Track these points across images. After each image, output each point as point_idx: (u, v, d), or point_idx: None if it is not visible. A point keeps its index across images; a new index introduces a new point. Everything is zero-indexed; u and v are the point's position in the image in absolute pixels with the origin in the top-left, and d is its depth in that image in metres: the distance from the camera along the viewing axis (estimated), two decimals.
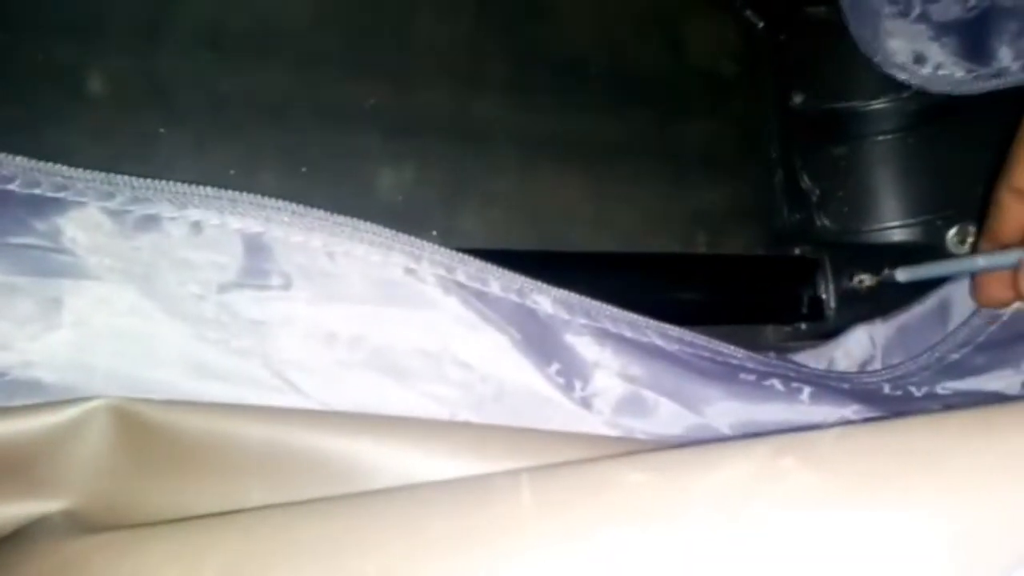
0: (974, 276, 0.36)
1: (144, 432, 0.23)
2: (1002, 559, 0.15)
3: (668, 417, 0.29)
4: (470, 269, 0.28)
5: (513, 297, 0.29)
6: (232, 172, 0.34)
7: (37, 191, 0.25)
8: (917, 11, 0.42)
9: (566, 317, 0.29)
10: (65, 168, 0.25)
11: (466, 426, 0.27)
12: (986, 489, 0.16)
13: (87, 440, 0.23)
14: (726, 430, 0.29)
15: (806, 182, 0.45)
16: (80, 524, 0.22)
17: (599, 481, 0.18)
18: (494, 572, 0.17)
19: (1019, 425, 0.17)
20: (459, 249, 0.28)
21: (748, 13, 0.48)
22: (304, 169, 0.35)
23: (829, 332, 0.41)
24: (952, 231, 0.42)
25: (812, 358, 0.39)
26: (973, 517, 0.16)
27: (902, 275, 0.36)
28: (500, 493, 0.19)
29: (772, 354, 0.36)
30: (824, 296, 0.42)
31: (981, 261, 0.35)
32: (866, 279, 0.39)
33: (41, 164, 0.25)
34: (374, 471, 0.24)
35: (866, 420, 0.31)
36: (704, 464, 0.18)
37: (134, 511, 0.23)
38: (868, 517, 0.16)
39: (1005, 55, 0.39)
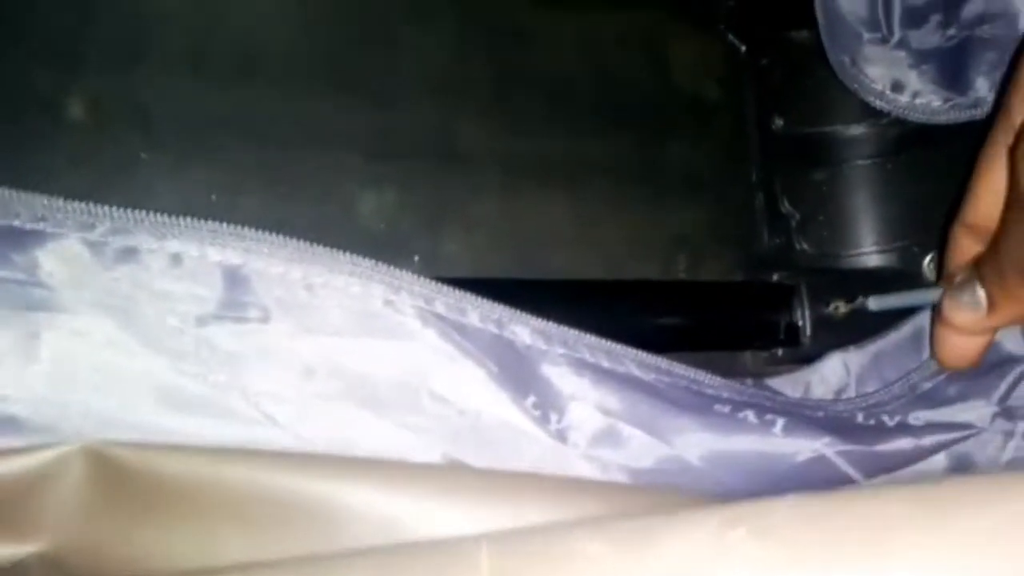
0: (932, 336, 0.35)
1: (119, 475, 0.23)
2: None
3: (639, 449, 0.29)
4: (449, 300, 0.29)
5: (491, 328, 0.29)
6: (213, 197, 0.34)
7: (16, 223, 0.25)
8: (896, 38, 0.42)
9: (544, 347, 0.30)
10: (45, 198, 0.25)
11: (444, 470, 0.27)
12: (933, 563, 0.16)
13: (62, 484, 0.23)
14: (695, 461, 0.30)
15: (786, 206, 0.45)
16: (56, 567, 0.22)
17: (558, 549, 0.19)
18: None
19: (965, 503, 0.17)
20: (440, 278, 0.29)
21: (731, 37, 0.48)
22: (285, 191, 0.35)
23: (805, 358, 0.41)
24: (928, 258, 0.42)
25: (788, 384, 0.39)
26: None
27: (873, 304, 0.37)
28: (460, 557, 0.19)
29: (749, 381, 0.36)
30: (800, 323, 0.42)
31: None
32: (841, 306, 0.40)
33: (20, 194, 0.25)
34: (352, 516, 0.24)
35: (839, 452, 0.31)
36: (661, 535, 0.18)
37: (110, 555, 0.23)
38: None
39: (982, 86, 0.40)
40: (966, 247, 0.34)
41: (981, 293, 0.31)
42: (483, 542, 0.19)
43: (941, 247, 0.37)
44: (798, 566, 0.17)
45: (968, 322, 0.32)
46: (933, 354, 0.35)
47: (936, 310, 0.34)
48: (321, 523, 0.24)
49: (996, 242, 0.30)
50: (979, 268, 0.31)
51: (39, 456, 0.23)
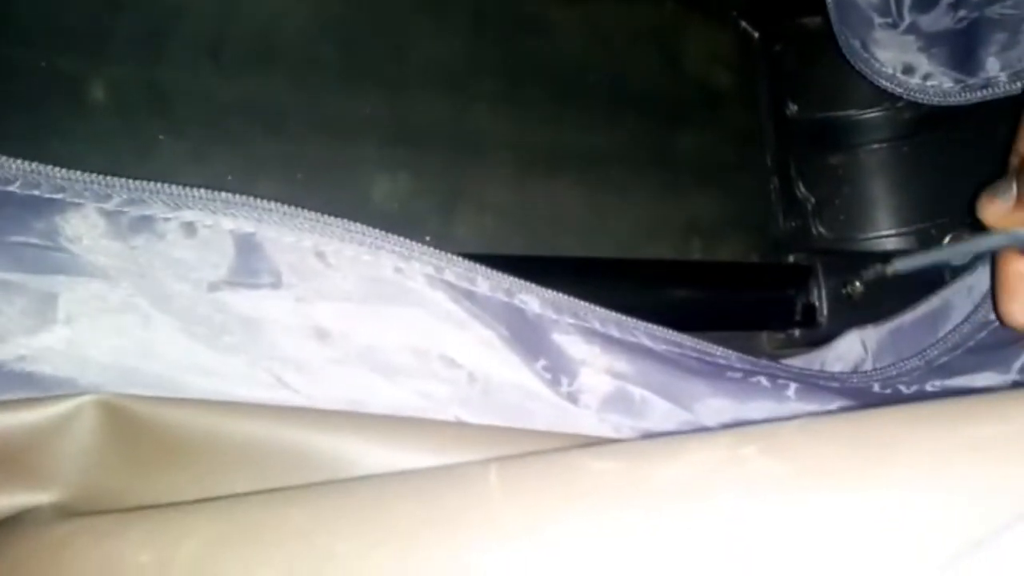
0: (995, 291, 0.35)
1: (132, 427, 0.24)
2: (953, 543, 0.15)
3: (659, 414, 0.29)
4: (458, 269, 0.29)
5: (501, 296, 0.29)
6: (230, 178, 0.34)
7: (36, 192, 0.26)
8: (907, 22, 0.42)
9: (554, 316, 0.30)
10: (63, 171, 0.26)
11: (450, 425, 0.28)
12: (938, 476, 0.16)
13: (77, 434, 0.24)
14: (715, 426, 0.30)
15: (801, 190, 0.45)
16: (71, 515, 0.22)
17: (564, 469, 0.19)
18: (462, 556, 0.17)
19: (972, 416, 0.17)
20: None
21: (744, 24, 0.48)
22: (301, 176, 0.36)
23: (822, 339, 0.41)
24: (947, 239, 0.42)
25: (804, 362, 0.39)
26: (926, 502, 0.16)
27: (900, 264, 0.36)
28: (469, 480, 0.19)
29: (763, 357, 0.36)
30: (817, 303, 0.42)
31: (993, 240, 0.34)
32: (861, 279, 0.39)
33: (40, 167, 0.26)
34: (358, 468, 0.25)
35: None
36: (667, 453, 0.18)
37: (122, 504, 0.23)
38: (825, 501, 0.16)
39: (993, 66, 0.39)
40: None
41: (1015, 190, 0.32)
42: (492, 463, 0.19)
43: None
44: (808, 480, 0.16)
45: (995, 212, 0.33)
46: (998, 316, 0.34)
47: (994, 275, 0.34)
48: (327, 475, 0.24)
49: None
50: (1018, 169, 0.33)
51: (55, 407, 0.23)
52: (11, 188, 0.26)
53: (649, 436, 0.29)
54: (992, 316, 0.36)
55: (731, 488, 0.17)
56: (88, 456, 0.23)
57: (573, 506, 0.17)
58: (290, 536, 0.19)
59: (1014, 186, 0.32)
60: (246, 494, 0.22)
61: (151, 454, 0.24)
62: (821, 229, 0.44)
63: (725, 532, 0.16)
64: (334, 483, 0.22)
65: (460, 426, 0.27)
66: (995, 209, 0.33)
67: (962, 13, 0.41)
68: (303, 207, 0.28)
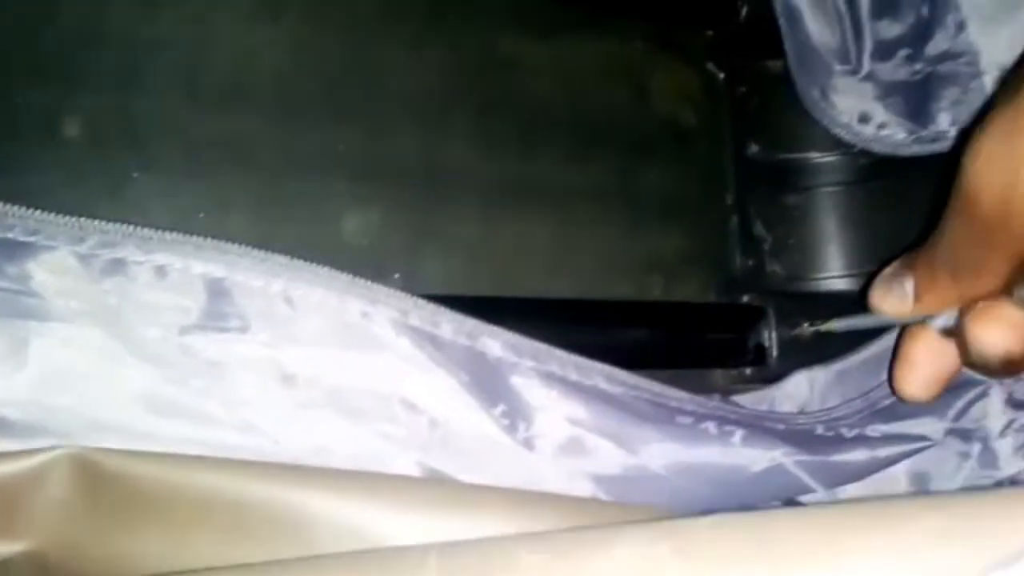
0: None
1: (103, 480, 0.25)
2: None
3: (608, 459, 0.31)
4: (423, 313, 0.30)
5: (463, 340, 0.30)
6: (202, 215, 0.35)
7: (10, 235, 0.26)
8: (866, 70, 0.44)
9: (514, 360, 0.31)
10: (38, 213, 0.27)
11: (413, 481, 0.29)
12: None
13: (49, 487, 0.24)
14: (660, 471, 0.31)
15: (759, 229, 0.47)
16: (41, 566, 0.23)
17: (499, 561, 0.20)
18: None
19: (885, 526, 0.18)
20: (418, 295, 0.30)
21: (709, 65, 0.50)
22: (272, 213, 0.37)
23: (772, 377, 0.42)
24: None
25: (754, 400, 0.40)
26: None
27: (837, 324, 0.38)
28: (406, 565, 0.20)
29: (716, 396, 0.37)
30: (767, 343, 0.43)
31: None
32: (807, 327, 0.41)
33: (15, 208, 0.26)
34: (320, 524, 0.25)
35: (796, 461, 0.32)
36: (594, 548, 0.20)
37: (92, 555, 0.24)
38: None
39: (943, 120, 0.41)
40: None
41: (909, 286, 0.31)
42: (432, 550, 0.20)
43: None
44: None
45: (894, 310, 0.32)
46: (891, 383, 0.34)
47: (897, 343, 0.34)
48: (290, 530, 0.25)
49: (933, 241, 0.30)
50: (911, 262, 0.32)
51: (27, 461, 0.24)
52: None
53: (605, 484, 0.30)
54: None
55: None
56: (60, 508, 0.24)
57: None
58: None
59: (909, 287, 0.31)
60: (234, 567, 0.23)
61: (122, 507, 0.25)
62: (776, 268, 0.46)
63: None
64: (280, 564, 0.23)
65: (417, 482, 0.28)
66: (890, 305, 0.32)
67: (918, 66, 0.43)
68: (274, 243, 0.29)
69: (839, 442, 0.34)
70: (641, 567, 0.18)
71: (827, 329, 0.38)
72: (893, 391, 0.34)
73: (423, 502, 0.26)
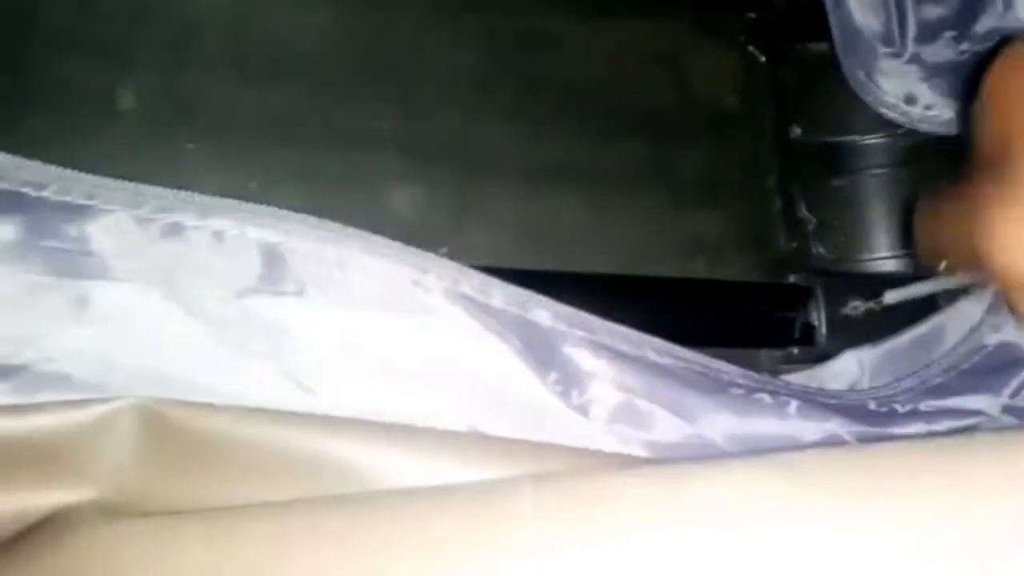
0: None
1: (167, 431, 0.25)
2: (974, 569, 0.16)
3: (664, 427, 0.30)
4: (474, 282, 0.30)
5: (514, 309, 0.30)
6: (252, 186, 0.36)
7: (68, 198, 0.27)
8: (910, 52, 0.43)
9: (564, 329, 0.31)
10: (95, 178, 0.27)
11: (470, 437, 0.28)
12: (953, 508, 0.17)
13: (113, 436, 0.24)
14: (720, 440, 0.31)
15: (803, 211, 0.46)
16: (108, 513, 0.23)
17: (597, 489, 0.20)
18: (495, 570, 0.18)
19: (983, 454, 0.18)
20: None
21: (751, 48, 0.49)
22: (321, 184, 0.37)
23: (820, 357, 0.42)
24: (943, 264, 0.43)
25: (802, 379, 0.40)
26: (940, 533, 0.17)
27: (891, 296, 0.38)
28: (502, 498, 0.20)
29: (764, 374, 0.37)
30: (816, 323, 0.43)
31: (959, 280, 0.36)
32: (858, 306, 0.41)
33: (73, 173, 0.27)
34: (384, 476, 0.25)
35: (851, 432, 0.32)
36: (697, 478, 0.19)
37: (157, 504, 0.24)
38: (845, 529, 0.17)
39: None
40: None
41: None
42: (526, 481, 0.20)
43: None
44: (830, 508, 0.17)
45: None
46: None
47: None
48: (348, 483, 0.25)
49: None
50: None
51: (93, 410, 0.24)
52: (45, 193, 0.27)
53: (662, 452, 0.30)
54: (986, 341, 0.37)
55: (757, 514, 0.18)
56: (124, 458, 0.24)
57: (604, 528, 0.18)
58: (329, 545, 0.19)
59: None
60: (290, 502, 0.23)
61: (184, 458, 0.25)
62: (821, 250, 0.45)
63: (752, 555, 0.17)
64: (379, 495, 0.23)
65: (474, 437, 0.28)
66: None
67: (964, 46, 0.42)
68: (322, 215, 0.29)
69: (893, 416, 0.34)
70: (751, 493, 0.18)
71: (881, 303, 0.37)
72: None
73: (482, 456, 0.26)
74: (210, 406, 0.25)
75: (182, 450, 0.25)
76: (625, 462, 0.28)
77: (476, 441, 0.28)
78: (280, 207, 0.29)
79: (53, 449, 0.24)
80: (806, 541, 0.17)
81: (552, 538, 0.18)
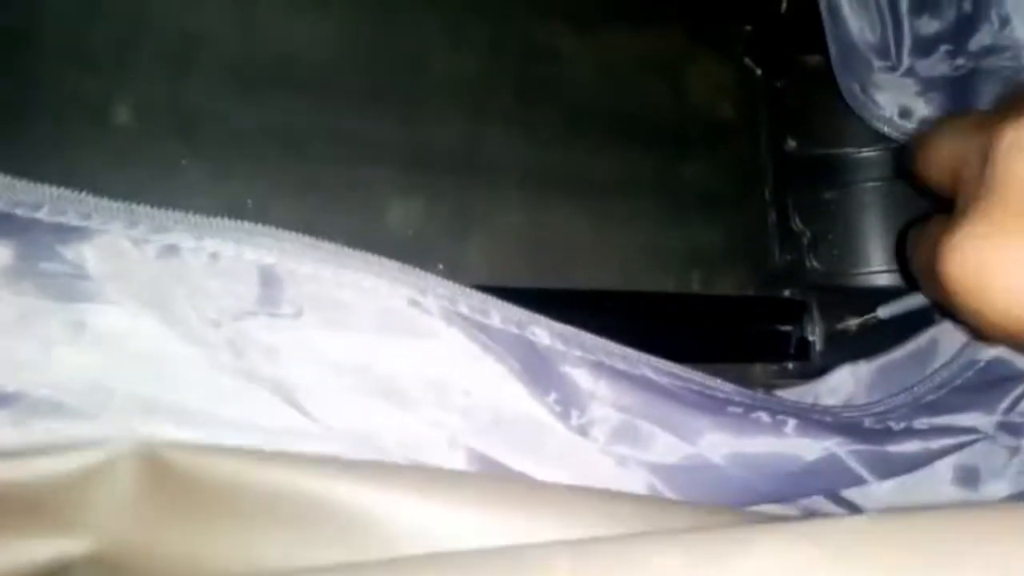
0: None
1: (167, 477, 0.24)
2: None
3: (664, 447, 0.30)
4: (472, 301, 0.30)
5: (513, 329, 0.30)
6: (249, 202, 0.35)
7: (63, 219, 0.26)
8: (905, 66, 0.43)
9: (562, 349, 0.31)
10: (91, 198, 0.27)
11: (475, 476, 0.28)
12: None
13: (110, 482, 0.24)
14: (718, 460, 0.31)
15: (798, 224, 0.46)
16: (102, 567, 0.22)
17: (635, 563, 0.19)
18: None
19: None
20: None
21: (747, 60, 0.49)
22: (317, 200, 0.37)
23: (815, 372, 0.42)
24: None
25: (797, 395, 0.40)
26: None
27: (883, 312, 0.38)
28: (533, 569, 0.20)
29: (760, 390, 0.37)
30: (811, 337, 0.43)
31: None
32: (853, 321, 0.41)
33: (68, 193, 0.26)
34: (386, 521, 0.25)
35: (850, 451, 0.32)
36: (732, 550, 0.19)
37: (155, 555, 0.23)
38: None
39: None
40: None
41: None
42: (561, 549, 0.20)
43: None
44: None
45: None
46: None
47: None
48: (354, 528, 0.24)
49: None
50: None
51: (89, 455, 0.24)
52: (39, 215, 0.26)
53: (661, 473, 0.30)
54: (978, 356, 0.38)
55: None
56: (124, 505, 0.24)
57: None
58: None
59: None
60: (304, 569, 0.22)
61: (184, 505, 0.24)
62: (815, 263, 0.45)
63: None
64: (394, 563, 0.22)
65: (492, 479, 0.28)
66: None
67: (960, 61, 0.42)
68: (319, 232, 0.29)
69: (889, 434, 0.34)
70: (789, 571, 0.17)
71: (875, 318, 0.37)
72: None
73: (489, 499, 0.25)
74: (212, 448, 0.25)
75: (180, 497, 0.24)
76: (639, 502, 0.28)
77: (490, 483, 0.27)
78: (277, 223, 0.28)
79: (47, 496, 0.23)
80: None
81: None
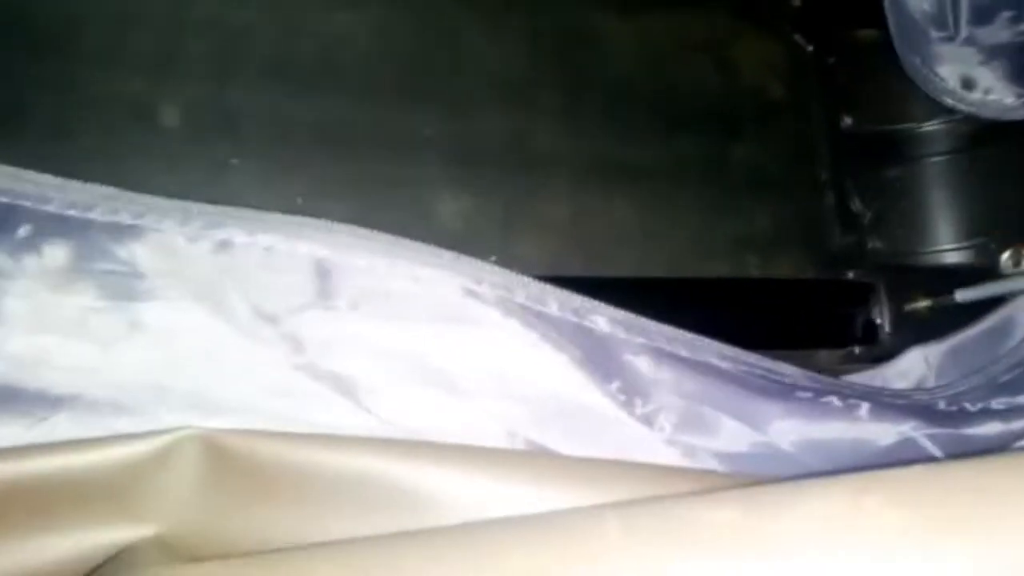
0: None
1: (228, 462, 0.24)
2: None
3: (730, 435, 0.29)
4: (530, 290, 0.29)
5: (571, 317, 0.29)
6: (299, 200, 0.35)
7: (116, 219, 0.26)
8: (964, 35, 0.42)
9: (623, 336, 0.30)
10: (142, 196, 0.27)
11: (530, 455, 0.28)
12: None
13: (172, 469, 0.24)
14: (788, 448, 0.29)
15: (857, 204, 0.45)
16: (169, 552, 0.22)
17: (685, 519, 0.18)
18: None
19: None
20: None
21: (797, 37, 0.48)
22: (367, 196, 0.36)
23: (884, 356, 0.41)
24: (1006, 253, 0.41)
25: (865, 379, 0.39)
26: None
27: (960, 296, 0.36)
28: (587, 529, 0.19)
29: (829, 376, 0.36)
30: (879, 320, 0.42)
31: None
32: (922, 303, 0.39)
33: (120, 192, 0.26)
34: (445, 499, 0.25)
35: (926, 435, 0.31)
36: (784, 502, 0.18)
37: (219, 538, 0.23)
38: (953, 556, 0.16)
39: None
40: None
41: None
42: (608, 511, 0.19)
43: None
44: (936, 533, 0.16)
45: None
46: None
47: None
48: (411, 507, 0.24)
49: None
50: None
51: (151, 442, 0.24)
52: (92, 215, 0.26)
53: (729, 462, 0.29)
54: None
55: (856, 541, 0.16)
56: (185, 491, 0.24)
57: (696, 559, 0.17)
58: None
59: None
60: (360, 539, 0.22)
61: (248, 488, 0.24)
62: (878, 244, 0.44)
63: None
64: (446, 530, 0.22)
65: (534, 455, 0.27)
66: None
67: (1022, 27, 0.41)
68: (370, 227, 0.28)
69: (966, 416, 0.32)
70: (849, 519, 0.17)
71: (951, 302, 0.36)
72: None
73: (543, 476, 0.25)
74: (272, 433, 0.25)
75: (242, 481, 0.24)
76: (693, 476, 0.27)
77: (537, 459, 0.27)
78: (328, 220, 0.28)
79: (112, 485, 0.23)
80: (915, 566, 0.16)
81: (642, 571, 0.17)
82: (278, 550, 0.22)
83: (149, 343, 0.26)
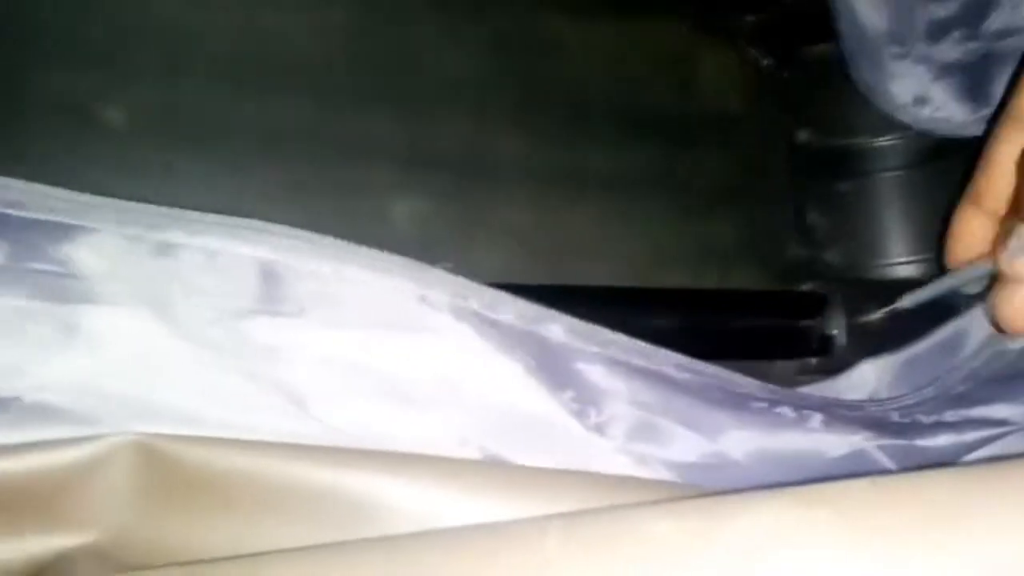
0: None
1: (166, 468, 0.23)
2: None
3: (684, 445, 0.29)
4: (483, 297, 0.29)
5: (525, 325, 0.29)
6: (246, 203, 0.34)
7: (54, 217, 0.25)
8: (917, 52, 0.42)
9: (578, 345, 0.29)
10: (82, 195, 0.26)
11: (481, 465, 0.27)
12: (1012, 542, 0.16)
13: (109, 475, 0.23)
14: (741, 458, 0.29)
15: (813, 217, 0.45)
16: (108, 560, 0.22)
17: (627, 530, 0.18)
18: None
19: None
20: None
21: (753, 51, 0.48)
22: (318, 200, 0.36)
23: (837, 367, 0.41)
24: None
25: (819, 391, 0.39)
26: (1000, 568, 0.16)
27: (907, 300, 0.37)
28: (527, 539, 0.19)
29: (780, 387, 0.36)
30: (834, 332, 0.42)
31: (976, 271, 0.35)
32: (875, 314, 0.39)
33: (59, 191, 0.25)
34: (391, 509, 0.24)
35: (878, 446, 0.31)
36: (731, 514, 0.18)
37: (160, 546, 0.23)
38: (900, 569, 0.16)
39: None
40: (976, 225, 0.35)
41: None
42: (550, 521, 0.19)
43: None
44: (880, 545, 0.16)
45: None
46: (1001, 324, 0.33)
47: (991, 284, 0.33)
48: (358, 517, 0.24)
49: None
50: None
51: (85, 448, 0.23)
52: (28, 214, 0.25)
53: (680, 472, 0.29)
54: (1006, 346, 0.36)
55: (800, 553, 0.16)
56: (123, 497, 0.23)
57: (632, 570, 0.17)
58: None
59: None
60: (304, 548, 0.21)
61: (185, 495, 0.23)
62: (832, 256, 0.44)
63: None
64: (383, 540, 0.22)
65: (486, 465, 0.27)
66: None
67: (974, 45, 0.41)
68: (321, 231, 0.28)
69: (919, 427, 0.32)
70: (794, 532, 0.16)
71: (898, 308, 0.36)
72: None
73: (494, 486, 0.25)
74: (210, 439, 0.24)
75: (182, 489, 0.23)
76: (646, 487, 0.27)
77: (488, 469, 0.26)
78: (276, 224, 0.27)
79: (47, 492, 0.22)
80: None
81: None
82: (220, 559, 0.21)
83: (87, 347, 0.25)
